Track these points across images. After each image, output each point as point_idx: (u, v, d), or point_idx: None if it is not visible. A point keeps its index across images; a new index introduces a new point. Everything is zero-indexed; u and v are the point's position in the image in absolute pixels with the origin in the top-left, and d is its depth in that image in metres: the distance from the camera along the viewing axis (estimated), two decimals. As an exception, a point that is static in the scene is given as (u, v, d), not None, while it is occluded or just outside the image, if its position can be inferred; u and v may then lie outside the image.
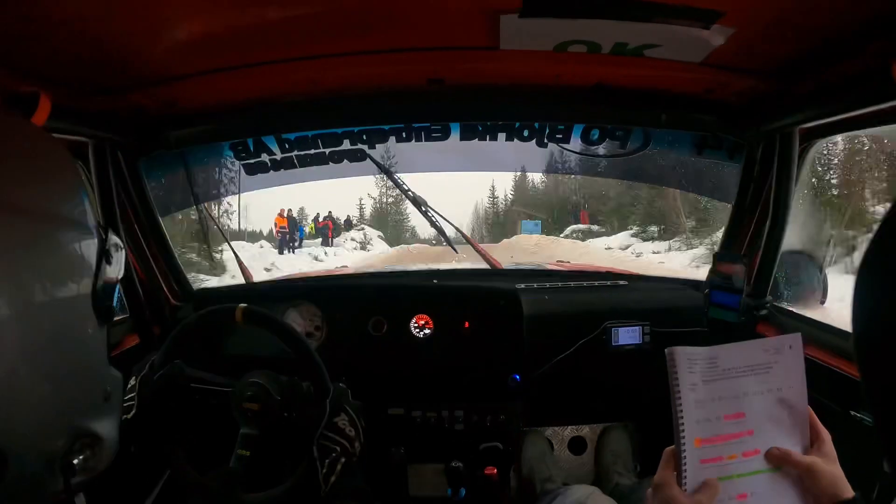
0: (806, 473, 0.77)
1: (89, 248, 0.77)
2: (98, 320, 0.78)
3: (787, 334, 0.79)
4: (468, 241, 2.58)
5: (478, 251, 2.52)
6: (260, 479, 1.39)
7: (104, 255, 0.79)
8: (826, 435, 0.80)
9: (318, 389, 1.44)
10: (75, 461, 0.72)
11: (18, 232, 0.66)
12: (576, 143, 2.08)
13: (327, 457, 1.37)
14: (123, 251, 0.87)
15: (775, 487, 0.78)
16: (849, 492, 0.75)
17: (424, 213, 2.33)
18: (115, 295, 0.86)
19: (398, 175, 2.27)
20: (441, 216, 2.36)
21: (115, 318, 1.85)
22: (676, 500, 0.77)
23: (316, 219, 28.85)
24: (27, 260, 0.67)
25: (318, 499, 1.35)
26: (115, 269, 0.83)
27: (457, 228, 2.55)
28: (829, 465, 0.77)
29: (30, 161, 0.73)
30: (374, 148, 2.10)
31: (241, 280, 2.42)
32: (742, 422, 0.78)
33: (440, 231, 2.37)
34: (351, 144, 2.07)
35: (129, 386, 1.46)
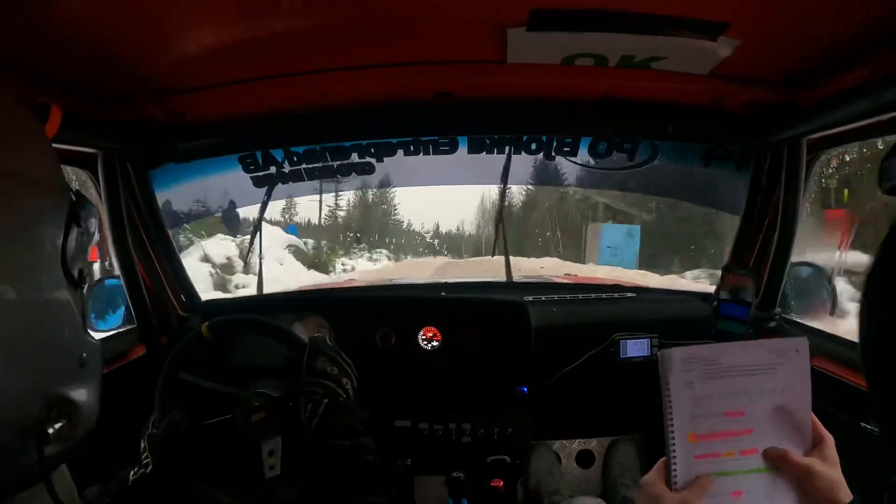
0: (803, 475, 0.75)
1: (57, 208, 0.75)
2: (69, 284, 0.76)
3: (793, 337, 0.79)
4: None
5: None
6: (294, 476, 1.43)
7: (74, 218, 0.77)
8: (829, 438, 0.79)
9: (297, 354, 1.48)
10: (50, 430, 0.70)
11: None
12: (583, 155, 2.09)
13: (310, 401, 1.35)
14: (97, 215, 0.86)
15: (772, 487, 0.78)
16: (847, 496, 0.74)
17: None
18: (87, 260, 0.82)
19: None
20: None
21: (123, 329, 1.86)
22: (661, 497, 0.76)
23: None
24: None
25: (305, 443, 1.34)
26: (86, 233, 0.81)
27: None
28: (827, 468, 0.76)
29: None
30: (382, 161, 2.11)
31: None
32: (741, 420, 0.77)
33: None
34: (359, 157, 2.08)
35: (142, 447, 1.49)
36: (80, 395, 0.76)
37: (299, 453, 1.45)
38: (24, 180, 0.71)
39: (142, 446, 1.49)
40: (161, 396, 1.52)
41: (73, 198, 0.79)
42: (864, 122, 1.34)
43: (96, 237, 0.86)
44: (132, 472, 1.44)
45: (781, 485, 0.77)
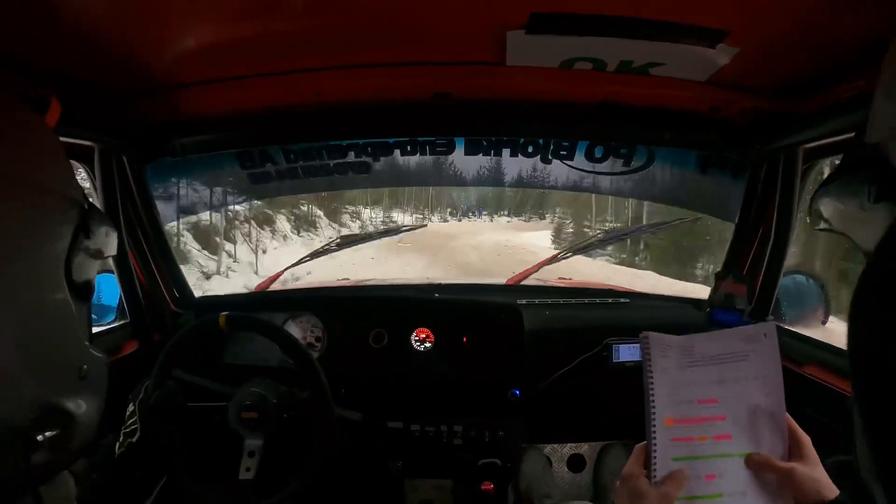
0: (787, 479, 0.77)
1: (65, 217, 0.74)
2: (72, 295, 0.74)
3: (761, 323, 0.82)
4: None
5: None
6: (269, 485, 1.41)
7: (83, 228, 0.76)
8: (805, 438, 0.81)
9: (307, 378, 1.51)
10: (40, 437, 0.67)
11: None
12: (580, 159, 2.09)
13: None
14: (114, 234, 0.84)
15: (745, 472, 0.81)
16: (832, 492, 0.76)
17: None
18: (95, 272, 0.81)
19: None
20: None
21: (116, 324, 1.85)
22: (643, 491, 0.79)
23: None
24: None
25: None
26: (97, 245, 0.79)
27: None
28: (810, 469, 0.78)
29: None
30: (379, 161, 2.11)
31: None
32: (715, 407, 0.81)
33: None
34: (356, 157, 2.08)
35: (129, 412, 1.48)
36: (77, 406, 0.74)
37: (280, 462, 1.46)
38: (29, 187, 0.69)
39: (129, 410, 1.49)
40: (163, 363, 1.52)
41: (86, 207, 0.77)
42: (860, 133, 1.34)
43: (111, 250, 0.85)
44: (118, 443, 1.43)
45: (756, 471, 0.80)
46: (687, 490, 0.80)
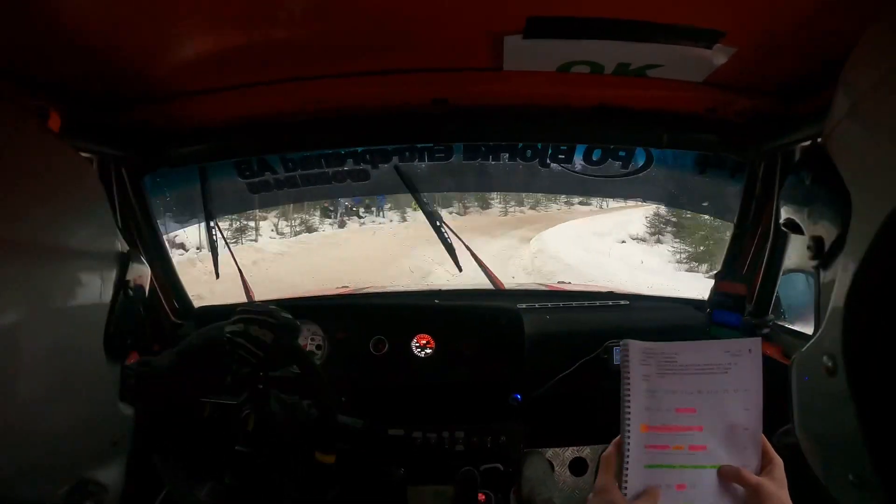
0: (753, 493, 0.79)
1: (104, 279, 0.68)
2: (110, 358, 0.70)
3: (748, 338, 0.83)
4: (477, 261, 2.54)
5: (484, 271, 2.50)
6: (255, 495, 1.39)
7: (123, 286, 0.70)
8: (778, 461, 0.82)
9: (320, 407, 1.45)
10: None
11: (15, 268, 0.58)
12: (578, 163, 2.10)
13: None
14: (147, 269, 0.78)
15: (716, 485, 0.81)
16: None
17: (437, 230, 2.33)
18: (137, 327, 0.78)
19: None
20: (452, 232, 2.38)
21: None
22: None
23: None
24: (25, 298, 0.59)
25: None
26: (138, 287, 0.74)
27: (466, 246, 2.51)
28: (777, 488, 0.79)
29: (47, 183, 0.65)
30: (378, 168, 2.11)
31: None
32: (693, 416, 0.82)
33: (449, 248, 2.37)
34: (354, 164, 2.08)
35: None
36: (110, 475, 0.72)
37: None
38: (66, 254, 0.64)
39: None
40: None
41: (125, 262, 0.72)
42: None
43: (147, 283, 0.80)
44: None
45: (725, 484, 0.81)
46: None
